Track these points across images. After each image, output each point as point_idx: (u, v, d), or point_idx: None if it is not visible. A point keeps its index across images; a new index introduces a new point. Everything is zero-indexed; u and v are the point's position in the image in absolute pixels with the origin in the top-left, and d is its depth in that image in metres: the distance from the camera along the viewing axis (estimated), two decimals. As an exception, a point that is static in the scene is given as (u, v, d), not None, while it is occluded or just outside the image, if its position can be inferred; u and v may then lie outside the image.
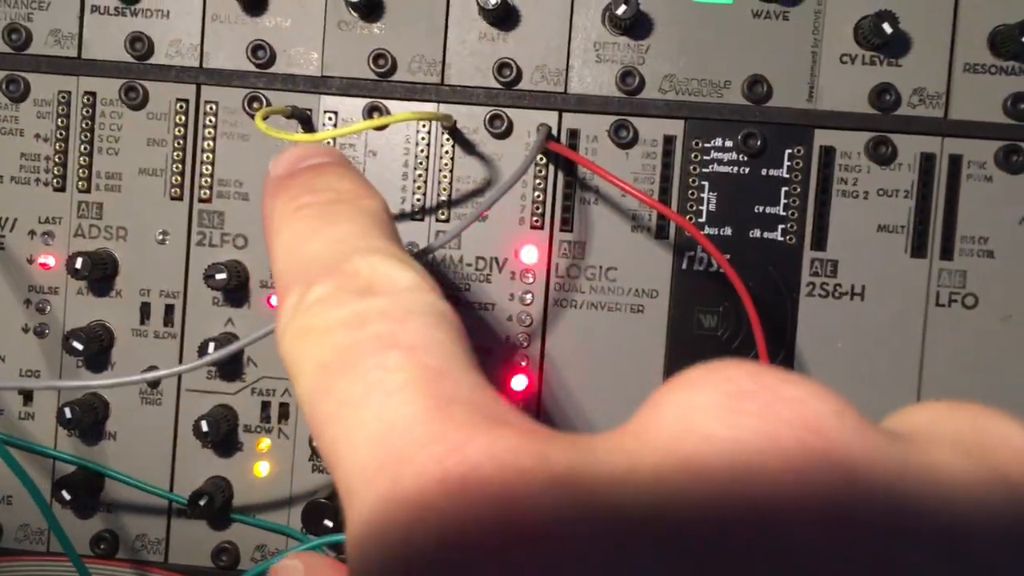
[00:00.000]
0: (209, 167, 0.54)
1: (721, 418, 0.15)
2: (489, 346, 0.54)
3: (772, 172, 0.53)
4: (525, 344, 0.54)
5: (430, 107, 0.53)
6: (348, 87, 0.54)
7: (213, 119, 0.54)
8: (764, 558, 0.13)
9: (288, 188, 0.22)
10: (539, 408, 0.54)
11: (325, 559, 0.21)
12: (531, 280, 0.54)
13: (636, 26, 0.52)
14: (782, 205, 0.53)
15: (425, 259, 0.54)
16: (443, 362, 0.17)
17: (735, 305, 0.52)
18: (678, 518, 0.14)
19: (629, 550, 0.14)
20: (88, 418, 0.53)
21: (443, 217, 0.54)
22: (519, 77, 0.53)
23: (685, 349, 0.53)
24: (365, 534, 0.15)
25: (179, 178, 0.54)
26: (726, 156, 0.53)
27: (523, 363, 0.54)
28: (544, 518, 0.14)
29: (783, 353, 0.53)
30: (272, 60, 0.54)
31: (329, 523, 0.51)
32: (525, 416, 0.17)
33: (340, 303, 0.18)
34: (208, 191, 0.54)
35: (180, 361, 0.55)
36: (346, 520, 0.17)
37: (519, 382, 0.54)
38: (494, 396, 0.17)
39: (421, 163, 0.54)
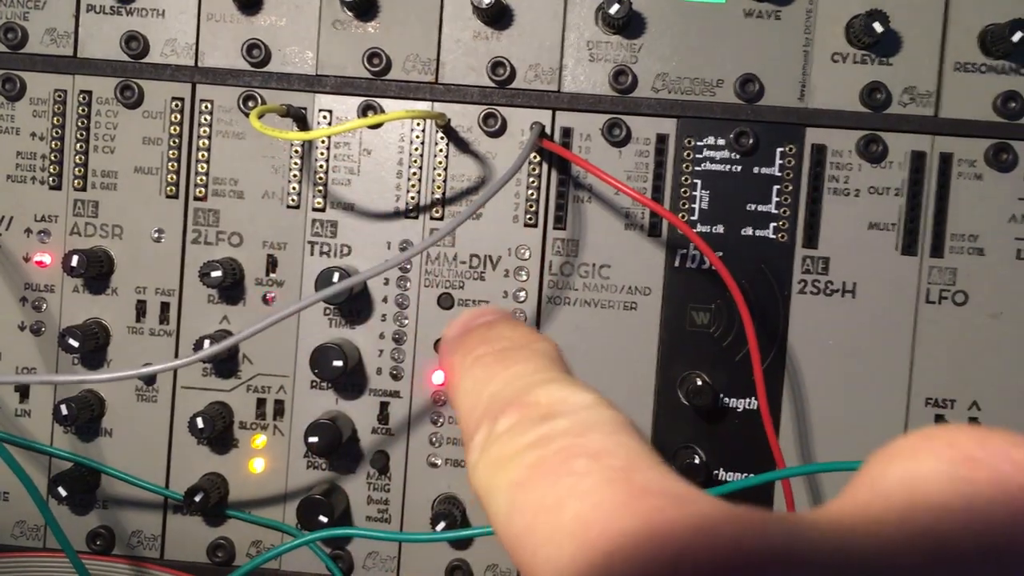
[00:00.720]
0: (204, 165, 0.55)
1: (952, 489, 0.15)
2: (483, 343, 0.54)
3: (764, 170, 0.53)
4: (519, 341, 0.54)
5: (424, 106, 0.54)
6: (343, 86, 0.54)
7: (208, 118, 0.54)
8: None
9: (464, 343, 0.24)
10: (533, 405, 0.54)
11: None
12: (525, 277, 0.54)
13: (629, 25, 0.53)
14: (774, 203, 0.53)
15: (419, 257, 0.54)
16: (629, 461, 0.18)
17: (727, 302, 0.53)
18: None
19: None
20: (84, 415, 0.54)
21: (437, 215, 0.54)
22: (513, 76, 0.53)
23: (677, 346, 0.54)
24: None
25: (174, 176, 0.55)
26: (718, 154, 0.53)
27: (517, 360, 0.54)
28: None
29: (775, 350, 0.53)
30: (267, 59, 0.54)
31: (323, 519, 0.52)
32: (719, 500, 0.17)
33: (525, 430, 0.20)
34: (203, 189, 0.55)
35: (176, 358, 0.55)
36: None
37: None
38: (687, 484, 0.18)
39: (415, 161, 0.54)
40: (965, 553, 0.14)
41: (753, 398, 0.53)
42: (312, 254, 0.55)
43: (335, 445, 0.52)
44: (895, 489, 0.15)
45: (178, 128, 0.54)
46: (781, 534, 0.15)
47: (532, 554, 0.18)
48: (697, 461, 0.52)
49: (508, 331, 0.24)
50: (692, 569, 0.14)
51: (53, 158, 0.55)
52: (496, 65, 0.53)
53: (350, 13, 0.53)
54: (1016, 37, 0.50)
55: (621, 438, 0.19)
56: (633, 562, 0.15)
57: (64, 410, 0.53)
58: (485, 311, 0.25)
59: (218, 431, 0.54)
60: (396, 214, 0.54)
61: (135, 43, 0.54)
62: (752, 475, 0.53)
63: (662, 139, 0.53)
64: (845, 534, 0.15)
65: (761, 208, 0.53)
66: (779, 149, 0.53)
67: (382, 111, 0.54)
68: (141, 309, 0.55)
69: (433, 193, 0.54)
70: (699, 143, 0.53)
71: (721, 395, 0.54)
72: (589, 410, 0.20)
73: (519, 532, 0.18)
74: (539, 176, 0.54)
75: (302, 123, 0.54)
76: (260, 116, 0.49)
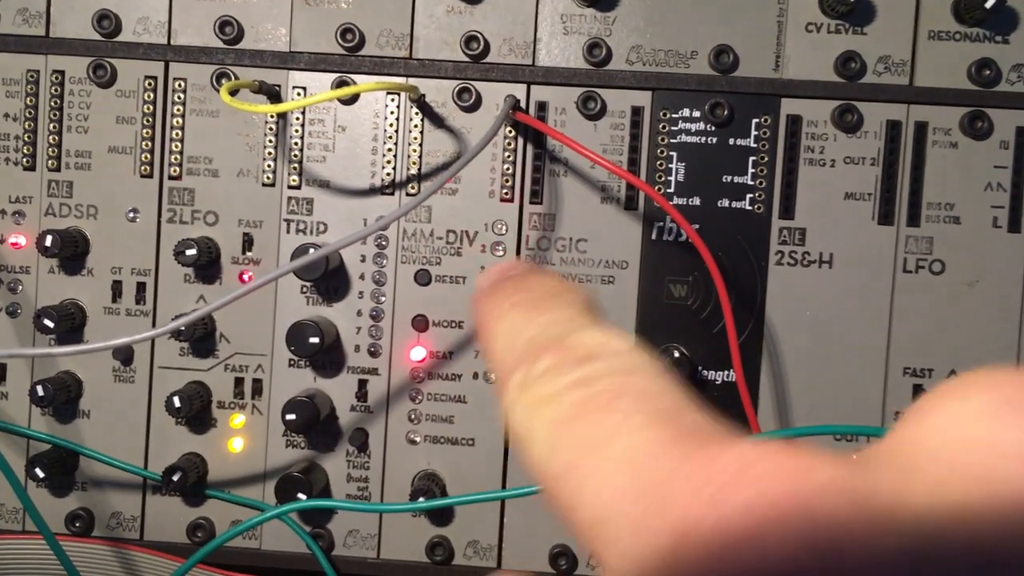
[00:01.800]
0: (179, 144, 0.54)
1: (1000, 423, 0.15)
2: (461, 319, 0.54)
3: (739, 141, 0.53)
4: (497, 317, 0.54)
5: (399, 81, 0.53)
6: (316, 62, 0.54)
7: (182, 96, 0.54)
8: None
9: (498, 291, 0.24)
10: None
11: None
12: (502, 253, 0.54)
13: (602, -3, 0.53)
14: (750, 174, 0.53)
15: (392, 229, 0.54)
16: (675, 403, 0.18)
17: (704, 275, 0.52)
18: (990, 539, 0.14)
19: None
20: (61, 396, 0.54)
21: (413, 191, 0.54)
22: (487, 50, 0.53)
23: (655, 319, 0.54)
24: None
25: (148, 155, 0.54)
26: (694, 126, 0.53)
27: (495, 335, 0.54)
28: (864, 550, 0.14)
29: (752, 322, 0.53)
30: (240, 36, 0.54)
31: (302, 496, 0.51)
32: (767, 443, 0.17)
33: (567, 370, 0.19)
34: (178, 168, 0.54)
35: (153, 340, 0.55)
36: (608, 561, 0.17)
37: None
38: (730, 430, 0.18)
39: (391, 137, 0.54)
40: (1014, 483, 0.14)
41: (731, 370, 0.53)
42: (288, 232, 0.54)
43: (313, 422, 0.52)
44: (946, 426, 0.15)
45: (151, 107, 0.54)
46: (834, 466, 0.15)
47: (577, 489, 0.17)
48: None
49: (543, 280, 0.24)
50: (752, 495, 0.15)
51: (27, 139, 0.55)
52: (470, 39, 0.53)
53: (323, -11, 0.53)
54: (989, 4, 0.50)
55: (663, 382, 0.19)
56: (691, 491, 0.15)
57: (40, 391, 0.53)
58: (518, 264, 0.26)
59: (196, 410, 0.54)
60: (372, 190, 0.54)
61: (107, 22, 0.54)
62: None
63: (637, 112, 0.53)
64: (901, 477, 0.15)
65: (737, 179, 0.53)
66: (754, 120, 0.53)
67: (356, 87, 0.53)
68: (117, 289, 0.55)
69: (408, 169, 0.54)
70: (674, 115, 0.53)
71: (699, 368, 0.54)
72: (630, 354, 0.20)
73: (563, 468, 0.18)
74: (515, 151, 0.53)
75: (275, 100, 0.54)
76: (232, 92, 0.49)
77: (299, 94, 0.54)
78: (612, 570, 0.16)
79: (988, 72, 0.52)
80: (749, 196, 0.53)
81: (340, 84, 0.54)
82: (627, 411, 0.18)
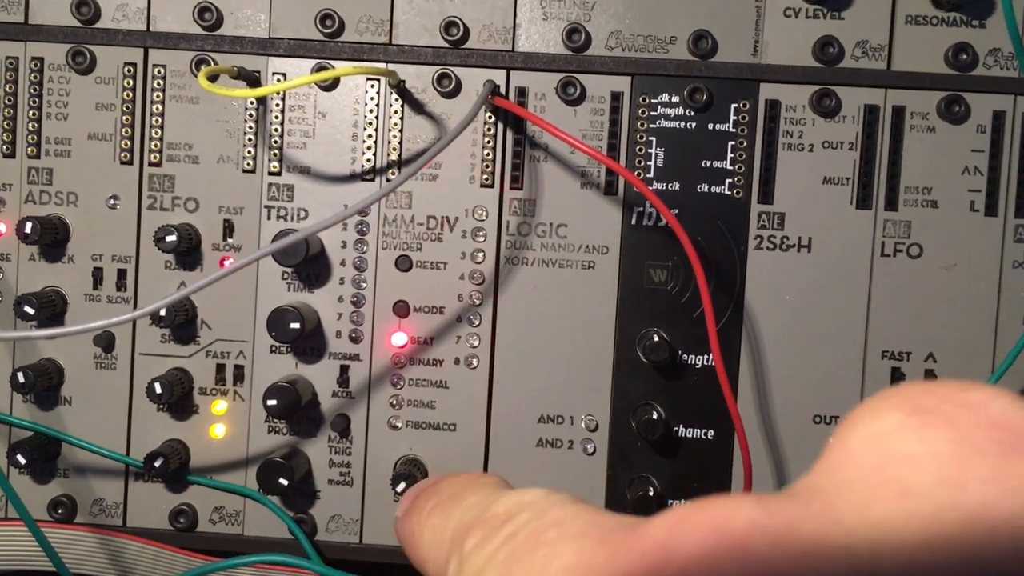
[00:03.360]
0: (159, 131, 0.54)
1: (910, 438, 0.15)
2: (442, 305, 0.54)
3: (718, 126, 0.53)
4: (478, 302, 0.54)
5: (378, 66, 0.53)
6: (296, 48, 0.54)
7: (161, 82, 0.54)
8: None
9: (414, 508, 0.25)
10: (492, 364, 0.54)
11: None
12: (483, 238, 0.54)
13: (581, -17, 0.53)
14: (729, 159, 0.53)
15: (371, 214, 0.54)
16: (592, 518, 0.20)
17: (684, 259, 0.53)
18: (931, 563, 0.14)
19: None
20: (42, 383, 0.54)
21: (393, 176, 0.54)
22: (466, 36, 0.53)
23: (636, 304, 0.54)
24: None
25: (128, 142, 0.54)
26: (673, 111, 0.53)
27: (475, 321, 0.54)
28: None
29: (732, 306, 0.54)
30: (219, 22, 0.54)
31: (284, 481, 0.52)
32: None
33: (492, 536, 0.21)
34: (158, 155, 0.54)
35: (134, 326, 0.55)
36: None
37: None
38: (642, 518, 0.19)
39: (371, 123, 0.54)
40: (928, 492, 0.15)
41: (711, 354, 0.53)
42: (269, 218, 0.54)
43: (294, 408, 0.52)
44: (861, 449, 0.16)
45: (131, 94, 0.54)
46: (754, 507, 0.15)
47: None
48: (655, 417, 0.53)
49: (451, 480, 0.26)
50: (681, 556, 0.15)
51: (6, 126, 0.55)
52: (449, 25, 0.53)
53: (302, -25, 0.53)
54: (966, -12, 0.50)
55: (577, 508, 0.21)
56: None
57: (22, 378, 0.53)
58: (423, 481, 0.27)
59: (177, 397, 0.54)
60: (352, 176, 0.54)
61: (86, 8, 0.54)
62: (711, 431, 0.54)
63: (616, 97, 0.53)
64: (823, 508, 0.15)
65: (716, 164, 0.53)
66: (733, 105, 0.53)
67: (336, 73, 0.53)
68: (98, 276, 0.55)
69: (389, 155, 0.54)
70: (653, 100, 0.53)
71: (679, 352, 0.54)
72: (543, 498, 0.22)
73: None
74: (495, 136, 0.54)
75: (255, 86, 0.54)
76: (210, 77, 0.49)
77: (278, 80, 0.54)
78: None
79: (965, 56, 0.52)
80: (728, 181, 0.53)
81: (320, 70, 0.54)
82: (551, 541, 0.19)
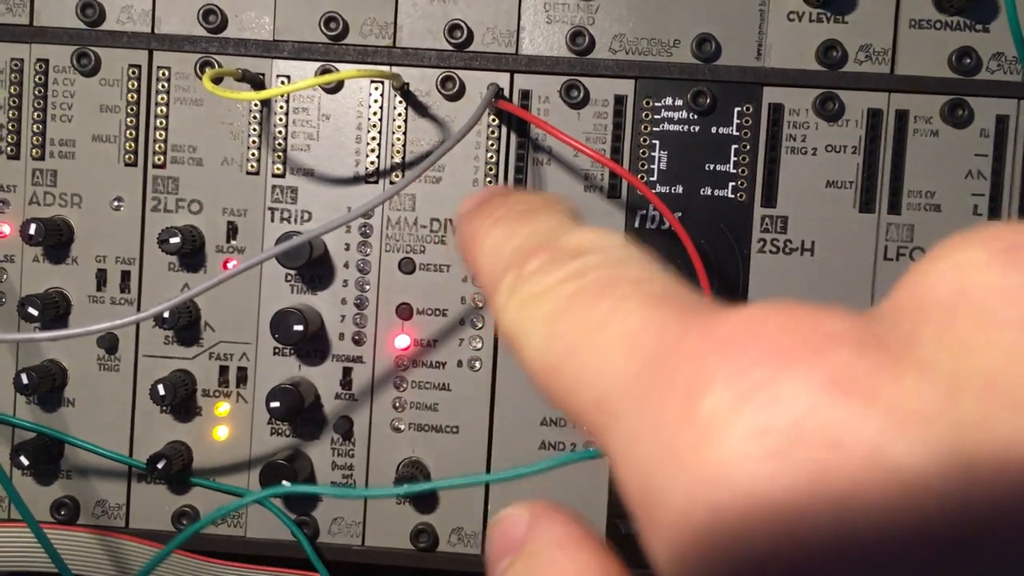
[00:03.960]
0: (163, 132, 0.54)
1: (999, 272, 0.14)
2: (445, 307, 0.54)
3: (722, 130, 0.53)
4: (481, 305, 0.54)
5: (382, 68, 0.54)
6: (300, 51, 0.54)
7: (166, 84, 0.54)
8: None
9: (482, 209, 0.24)
10: (495, 367, 0.54)
11: (551, 509, 0.20)
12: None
13: (585, -14, 0.53)
14: (732, 163, 0.53)
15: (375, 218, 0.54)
16: (670, 287, 0.18)
17: (687, 262, 0.53)
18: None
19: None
20: (46, 384, 0.54)
21: (397, 179, 0.54)
22: (470, 39, 0.53)
23: (638, 307, 0.54)
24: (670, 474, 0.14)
25: (133, 144, 0.54)
26: (676, 115, 0.53)
27: (478, 324, 0.54)
28: (876, 388, 0.13)
29: (735, 309, 0.54)
30: (224, 25, 0.54)
31: (286, 483, 0.52)
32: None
33: (558, 266, 0.19)
34: (162, 156, 0.55)
35: (137, 328, 0.55)
36: (614, 443, 0.16)
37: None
38: (728, 306, 0.17)
39: (375, 126, 0.54)
40: (1010, 320, 0.14)
41: (714, 357, 0.53)
42: (273, 220, 0.54)
43: (297, 410, 0.52)
44: (947, 277, 0.15)
45: (135, 96, 0.54)
46: (841, 322, 0.14)
47: (576, 374, 0.17)
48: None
49: (525, 196, 0.24)
50: (758, 351, 0.14)
51: (11, 127, 0.55)
52: (453, 28, 0.53)
53: (306, -23, 0.53)
54: (969, -8, 0.50)
55: (655, 270, 0.19)
56: (691, 364, 0.14)
57: (25, 379, 0.53)
58: (497, 186, 0.26)
59: (180, 398, 0.54)
60: (356, 179, 0.54)
61: (91, 10, 0.54)
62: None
63: (620, 100, 0.53)
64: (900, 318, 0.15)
65: (720, 168, 0.53)
66: (736, 108, 0.53)
67: (340, 75, 0.54)
68: (102, 278, 0.55)
69: (392, 157, 0.54)
70: (657, 104, 0.53)
71: (682, 355, 0.54)
72: (621, 246, 0.20)
73: (558, 358, 0.18)
74: (498, 139, 0.54)
75: (259, 88, 0.54)
76: (215, 80, 0.49)
77: (283, 82, 0.54)
78: (619, 451, 0.16)
79: (968, 61, 0.52)
80: (731, 184, 0.53)
81: (324, 72, 0.54)
82: (621, 296, 0.17)
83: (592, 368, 0.17)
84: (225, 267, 0.55)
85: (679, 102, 0.53)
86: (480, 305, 0.54)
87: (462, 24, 0.53)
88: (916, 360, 0.13)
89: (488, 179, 0.54)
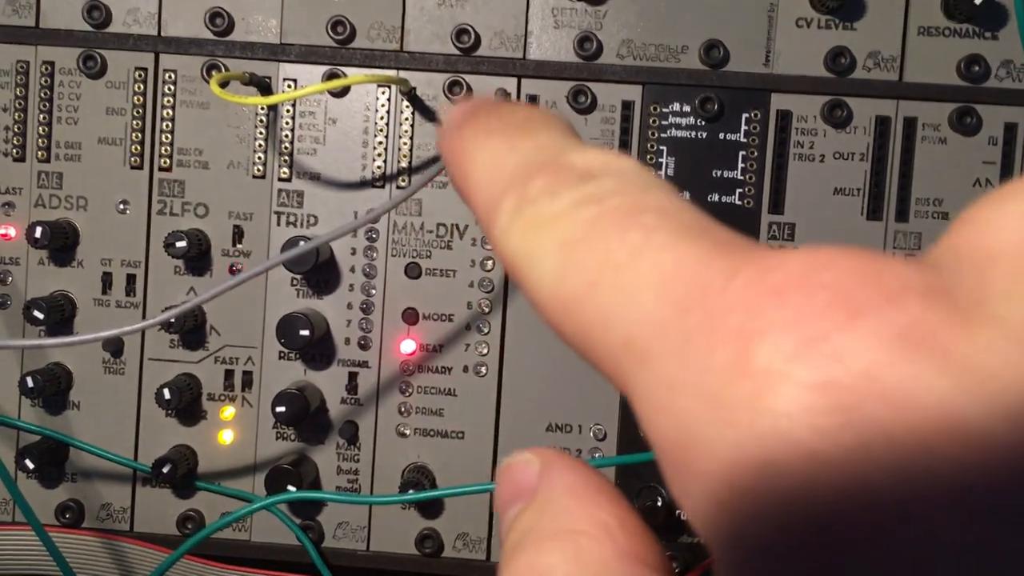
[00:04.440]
0: (169, 136, 0.54)
1: None
2: (451, 312, 0.54)
3: (729, 136, 0.53)
4: (487, 310, 0.54)
5: (389, 74, 0.53)
6: (307, 54, 0.54)
7: (172, 87, 0.54)
8: None
9: (472, 120, 0.20)
10: (500, 372, 0.54)
11: (563, 455, 0.18)
12: (492, 247, 0.54)
13: (593, -9, 0.53)
14: (740, 169, 0.53)
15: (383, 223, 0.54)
16: (701, 219, 0.16)
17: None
18: None
19: None
20: (51, 388, 0.54)
21: (403, 184, 0.54)
22: (478, 43, 0.53)
23: (645, 313, 0.54)
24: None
25: (139, 147, 0.54)
26: (684, 121, 0.53)
27: (484, 329, 0.54)
28: (950, 343, 0.12)
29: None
30: (231, 28, 0.54)
31: (292, 488, 0.52)
32: None
33: (569, 187, 0.17)
34: (168, 160, 0.54)
35: (143, 331, 0.55)
36: (646, 390, 0.14)
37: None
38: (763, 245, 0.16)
39: (381, 130, 0.54)
40: None
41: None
42: (279, 224, 0.54)
43: (302, 414, 0.52)
44: (1010, 226, 0.14)
45: (142, 98, 0.54)
46: (909, 271, 0.13)
47: (596, 313, 0.15)
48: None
49: (517, 108, 0.21)
50: (825, 295, 0.13)
51: (16, 130, 0.55)
52: (461, 32, 0.53)
53: (314, -19, 0.53)
54: (978, 0, 0.50)
55: (681, 200, 0.16)
56: (745, 309, 0.13)
57: (30, 382, 0.53)
58: (484, 98, 0.22)
59: (186, 402, 0.54)
60: (362, 183, 0.54)
61: (97, 12, 0.54)
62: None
63: (627, 106, 0.53)
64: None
65: (727, 174, 0.53)
66: (744, 115, 0.53)
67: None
68: (107, 281, 0.55)
69: (399, 162, 0.54)
70: (664, 110, 0.53)
71: (688, 361, 0.54)
72: (638, 172, 0.17)
73: (576, 292, 0.16)
74: (505, 144, 0.53)
75: (266, 92, 0.54)
76: (222, 84, 0.49)
77: (289, 86, 0.54)
78: (651, 397, 0.14)
79: (977, 68, 0.52)
80: (739, 191, 0.53)
81: (331, 76, 0.54)
82: (650, 227, 0.15)
83: (619, 306, 0.15)
84: (231, 271, 0.54)
85: (687, 108, 0.53)
86: (486, 311, 0.54)
87: (469, 29, 0.53)
88: (988, 314, 0.12)
89: (495, 184, 0.53)
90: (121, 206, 0.55)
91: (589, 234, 0.16)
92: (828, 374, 0.12)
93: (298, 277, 0.54)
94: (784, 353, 0.12)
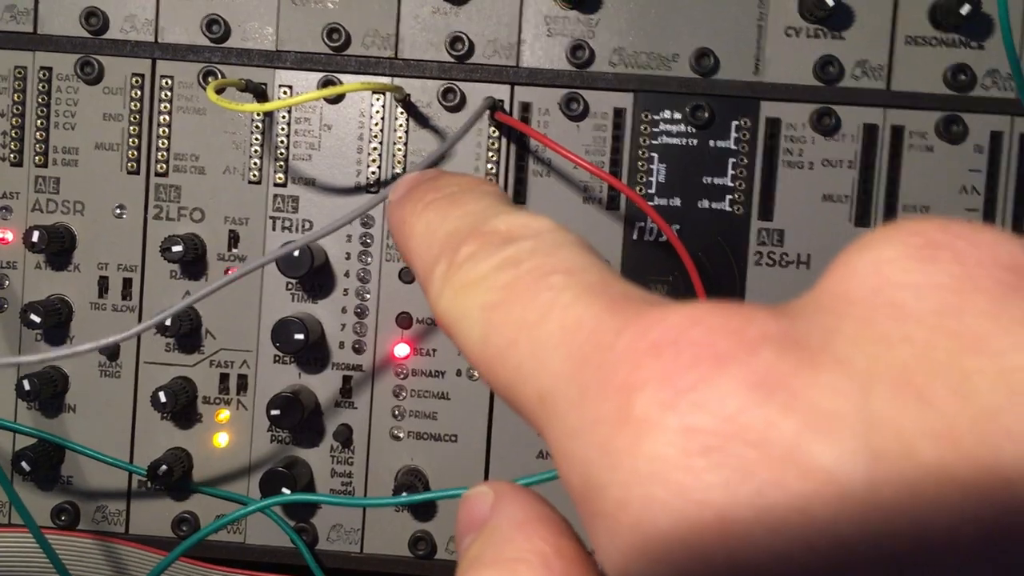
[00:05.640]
0: (165, 141, 0.55)
1: (915, 268, 0.15)
2: (444, 316, 0.55)
3: (720, 143, 0.54)
4: (480, 314, 0.55)
5: (384, 81, 0.54)
6: (302, 61, 0.54)
7: (169, 93, 0.55)
8: None
9: (412, 195, 0.24)
10: (493, 376, 0.55)
11: (515, 488, 0.20)
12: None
13: (586, 0, 0.53)
14: (729, 176, 0.54)
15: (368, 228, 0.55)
16: (603, 276, 0.18)
17: (685, 275, 0.53)
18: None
19: None
20: (47, 391, 0.54)
21: (398, 190, 0.54)
22: (471, 51, 0.54)
23: (636, 318, 0.54)
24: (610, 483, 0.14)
25: (135, 152, 0.55)
26: (675, 128, 0.54)
27: (478, 333, 0.55)
28: (805, 386, 0.14)
29: (731, 321, 0.54)
30: (227, 35, 0.54)
31: (286, 490, 0.52)
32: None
33: (490, 254, 0.19)
34: (164, 165, 0.55)
35: (139, 336, 0.55)
36: (554, 439, 0.16)
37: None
38: (656, 295, 0.17)
39: (376, 136, 0.54)
40: (922, 316, 0.14)
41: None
42: (274, 229, 0.55)
43: (297, 418, 0.52)
44: (866, 272, 0.15)
45: (139, 104, 0.55)
46: (768, 320, 0.15)
47: (518, 367, 0.17)
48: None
49: (454, 179, 0.24)
50: (692, 354, 0.14)
51: (14, 135, 0.55)
52: (455, 40, 0.54)
53: (309, -11, 0.54)
54: (965, 10, 0.51)
55: (589, 256, 0.19)
56: (627, 364, 0.15)
57: (27, 386, 0.53)
58: (426, 171, 0.26)
59: (181, 405, 0.54)
60: (357, 189, 0.55)
61: (95, 19, 0.54)
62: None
63: (619, 113, 0.54)
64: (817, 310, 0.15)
65: (717, 181, 0.54)
66: (734, 122, 0.54)
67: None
68: (103, 285, 0.55)
69: (393, 168, 0.55)
70: (655, 117, 0.54)
71: (679, 366, 0.54)
72: (552, 232, 0.20)
73: (498, 351, 0.18)
74: (498, 151, 0.54)
75: (262, 98, 0.54)
76: (218, 90, 0.49)
77: (285, 93, 0.54)
78: (559, 446, 0.16)
79: (964, 77, 0.53)
80: (729, 197, 0.54)
81: (326, 83, 0.54)
82: (558, 288, 0.17)
83: (532, 363, 0.17)
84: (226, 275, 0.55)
85: (677, 115, 0.54)
86: (479, 315, 0.55)
87: (463, 36, 0.53)
88: (833, 358, 0.14)
89: (488, 190, 0.54)
90: (118, 211, 0.55)
91: (507, 297, 0.18)
92: (694, 421, 0.14)
93: (293, 282, 0.55)
94: (659, 403, 0.14)
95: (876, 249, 0.15)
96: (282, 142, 0.55)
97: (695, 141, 0.54)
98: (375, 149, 0.54)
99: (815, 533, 0.13)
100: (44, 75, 0.55)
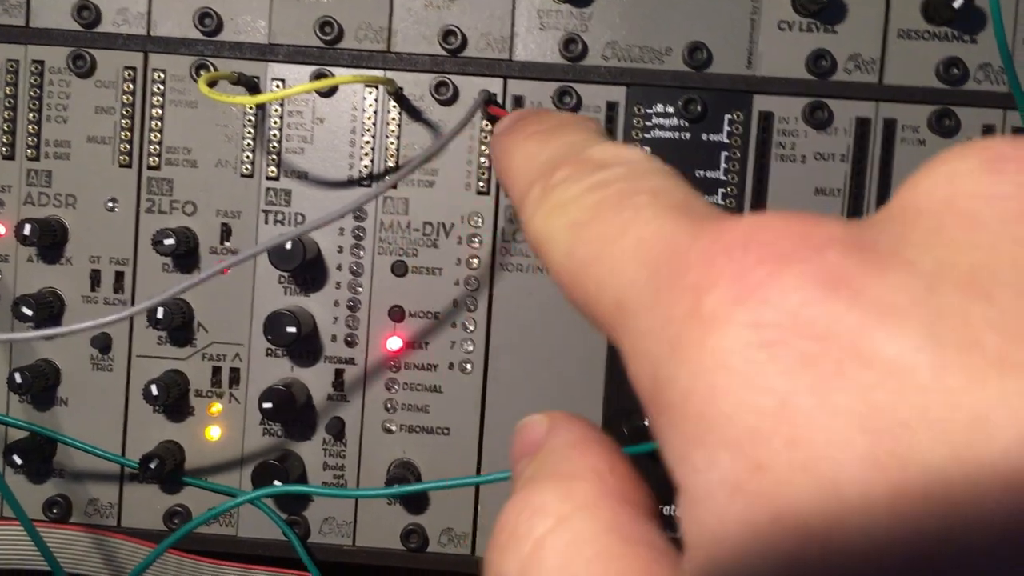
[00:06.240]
0: (158, 134, 0.55)
1: (985, 180, 0.15)
2: (437, 310, 0.55)
3: (712, 137, 0.54)
4: (472, 308, 0.55)
5: (376, 74, 0.54)
6: (295, 54, 0.54)
7: (161, 87, 0.55)
8: None
9: (515, 127, 0.25)
10: (486, 369, 0.55)
11: (568, 416, 0.21)
12: (478, 244, 0.55)
13: (578, -7, 0.53)
14: (722, 169, 0.54)
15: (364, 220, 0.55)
16: (687, 197, 0.19)
17: (677, 268, 0.53)
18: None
19: None
20: (39, 384, 0.54)
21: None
22: (464, 44, 0.54)
23: (628, 311, 0.54)
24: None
25: (127, 146, 0.55)
26: (667, 122, 0.54)
27: (470, 326, 0.55)
28: (870, 285, 0.14)
29: (724, 314, 0.54)
30: (219, 28, 0.54)
31: (278, 483, 0.52)
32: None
33: (583, 177, 0.20)
34: (157, 158, 0.55)
35: (131, 328, 0.55)
36: (630, 342, 0.17)
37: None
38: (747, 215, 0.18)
39: (368, 130, 0.54)
40: (989, 223, 0.15)
41: (702, 362, 0.53)
42: (267, 223, 0.55)
43: (289, 411, 0.52)
44: (939, 183, 0.16)
45: (131, 97, 0.55)
46: (839, 228, 0.15)
47: (597, 280, 0.18)
48: (647, 423, 0.53)
49: (556, 115, 0.26)
50: (761, 256, 0.15)
51: (6, 128, 0.55)
52: (447, 34, 0.54)
53: (302, -18, 0.54)
54: (957, 4, 0.51)
55: (676, 182, 0.20)
56: (700, 267, 0.16)
57: (18, 378, 0.53)
58: (529, 108, 0.27)
59: (173, 399, 0.54)
60: (350, 182, 0.55)
61: (87, 12, 0.54)
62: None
63: (612, 107, 0.54)
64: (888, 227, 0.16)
65: (710, 174, 0.54)
66: (727, 116, 0.54)
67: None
68: (95, 278, 0.55)
69: (386, 161, 0.55)
70: (648, 111, 0.54)
71: (671, 359, 0.54)
72: (643, 161, 0.21)
73: (581, 265, 0.19)
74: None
75: (254, 91, 0.54)
76: (210, 83, 0.49)
77: (278, 86, 0.54)
78: (632, 346, 0.17)
79: (956, 71, 0.53)
80: (722, 191, 0.54)
81: (318, 76, 0.54)
82: (641, 206, 0.19)
83: (611, 273, 0.18)
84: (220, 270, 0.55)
85: (670, 109, 0.54)
86: (472, 308, 0.55)
87: (456, 30, 0.53)
88: (901, 260, 0.14)
89: (480, 183, 0.54)
90: (110, 204, 0.55)
91: (593, 215, 0.19)
92: (761, 315, 0.14)
93: (285, 275, 0.55)
94: (728, 299, 0.15)
95: (951, 163, 0.16)
96: (274, 135, 0.55)
97: (688, 135, 0.54)
98: (368, 142, 0.54)
99: (875, 420, 0.13)
100: (36, 68, 0.55)
